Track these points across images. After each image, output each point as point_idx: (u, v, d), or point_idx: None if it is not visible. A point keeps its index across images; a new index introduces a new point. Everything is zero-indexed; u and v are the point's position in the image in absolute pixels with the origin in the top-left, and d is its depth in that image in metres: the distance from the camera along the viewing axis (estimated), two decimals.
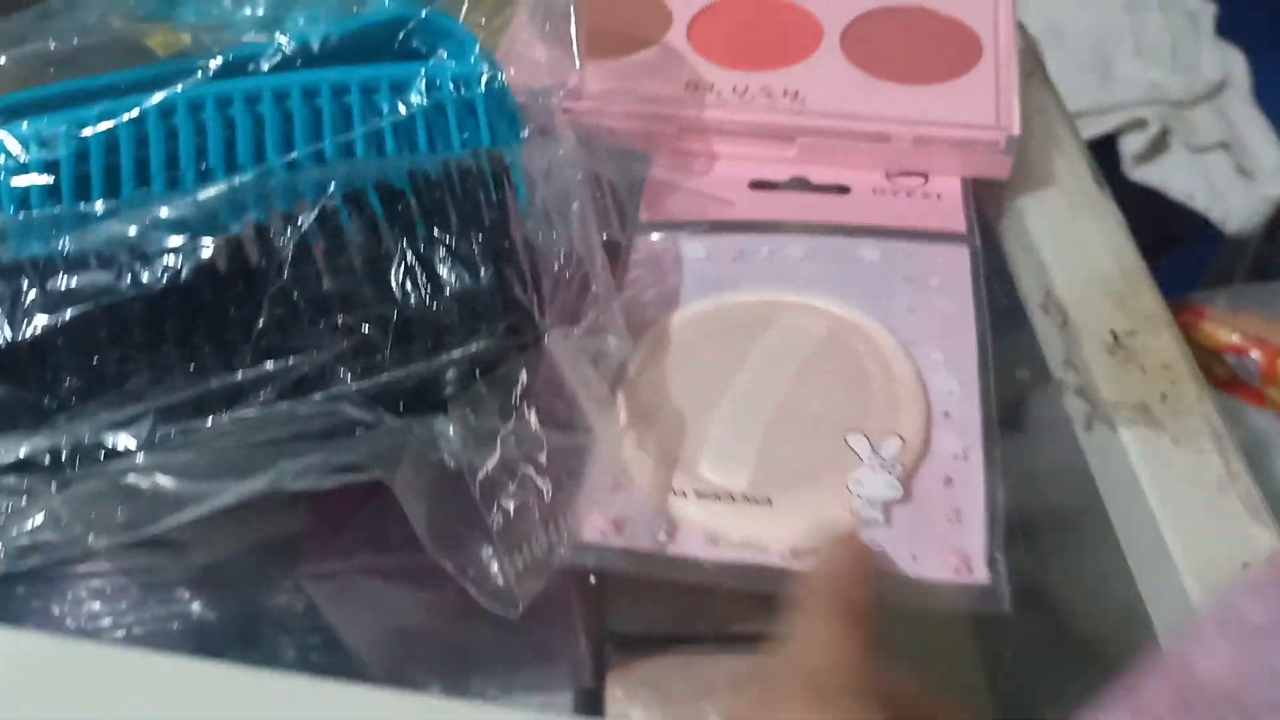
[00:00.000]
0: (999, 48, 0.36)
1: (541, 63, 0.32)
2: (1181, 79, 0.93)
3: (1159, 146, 0.92)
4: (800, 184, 0.33)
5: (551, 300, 0.27)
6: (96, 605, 0.33)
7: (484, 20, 0.34)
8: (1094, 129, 0.94)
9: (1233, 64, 0.97)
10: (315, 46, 0.32)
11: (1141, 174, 0.93)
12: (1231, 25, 1.02)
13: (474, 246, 0.25)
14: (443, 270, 0.24)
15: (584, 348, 0.27)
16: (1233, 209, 0.91)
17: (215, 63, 0.31)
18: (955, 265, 0.31)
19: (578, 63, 0.31)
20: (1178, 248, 1.01)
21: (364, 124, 0.31)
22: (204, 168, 0.31)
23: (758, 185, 0.34)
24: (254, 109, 0.32)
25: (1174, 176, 0.91)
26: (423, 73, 0.32)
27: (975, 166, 0.34)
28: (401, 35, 0.33)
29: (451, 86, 0.32)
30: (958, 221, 0.32)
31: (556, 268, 0.27)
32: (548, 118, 0.32)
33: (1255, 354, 0.90)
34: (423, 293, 0.24)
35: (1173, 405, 0.29)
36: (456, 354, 0.23)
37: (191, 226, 0.26)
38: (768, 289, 0.30)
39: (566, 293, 0.28)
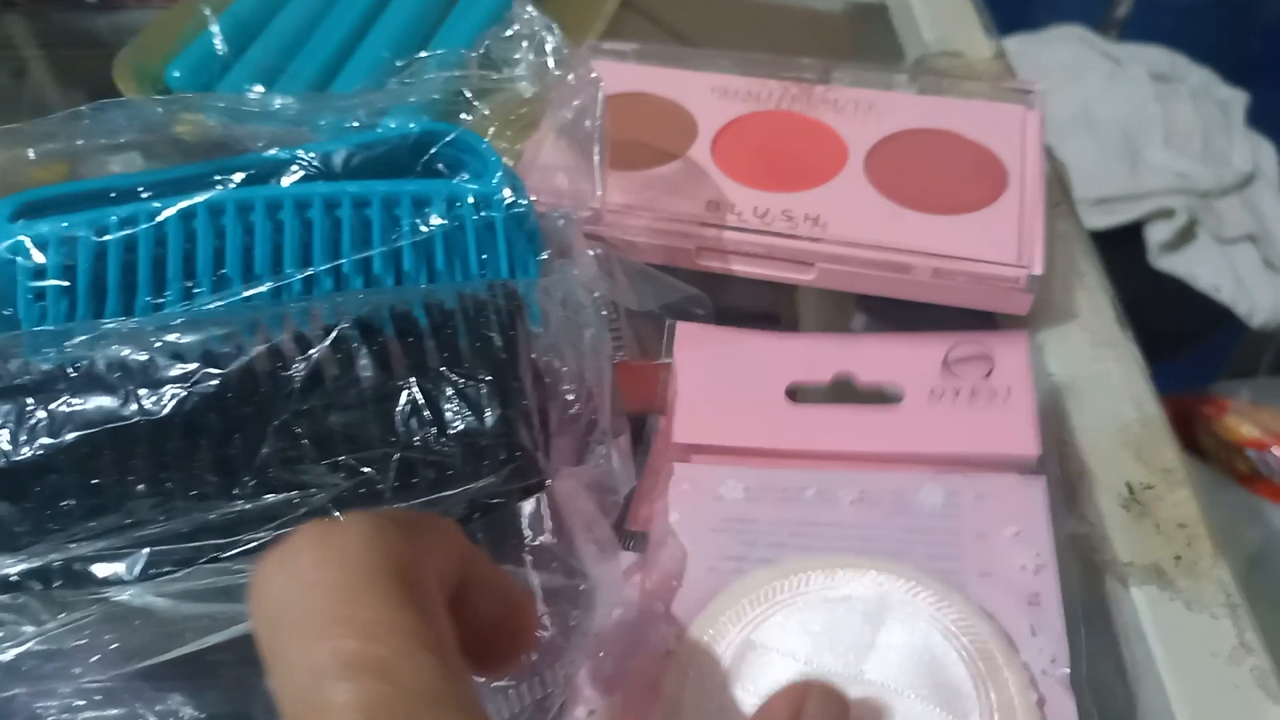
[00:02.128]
0: (1025, 179, 0.35)
1: (563, 185, 0.32)
2: (1211, 169, 0.93)
3: (1186, 236, 0.92)
4: (844, 386, 0.32)
5: (558, 434, 0.27)
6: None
7: (510, 142, 0.34)
8: (1121, 216, 0.93)
9: (1263, 155, 0.96)
10: (339, 162, 0.32)
11: (1167, 263, 0.93)
12: (1262, 113, 1.02)
13: (482, 387, 0.24)
14: (449, 409, 0.24)
15: (588, 485, 0.27)
16: (1259, 303, 0.90)
17: (238, 176, 0.31)
18: (1032, 508, 0.28)
19: (599, 188, 0.31)
20: (1201, 339, 1.00)
21: (384, 239, 0.31)
22: (221, 274, 0.31)
23: (798, 392, 0.32)
24: (274, 216, 0.32)
25: (1201, 267, 0.91)
26: (445, 191, 0.32)
27: (995, 302, 0.34)
28: (427, 153, 0.33)
29: (473, 206, 0.32)
30: (1029, 437, 0.29)
31: (564, 400, 0.27)
32: (567, 240, 0.32)
33: (1277, 450, 0.89)
34: (428, 432, 0.24)
35: (1187, 567, 0.28)
36: (456, 494, 0.23)
37: (200, 346, 0.26)
38: (821, 555, 0.27)
39: (574, 425, 0.27)
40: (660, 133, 0.39)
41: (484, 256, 0.31)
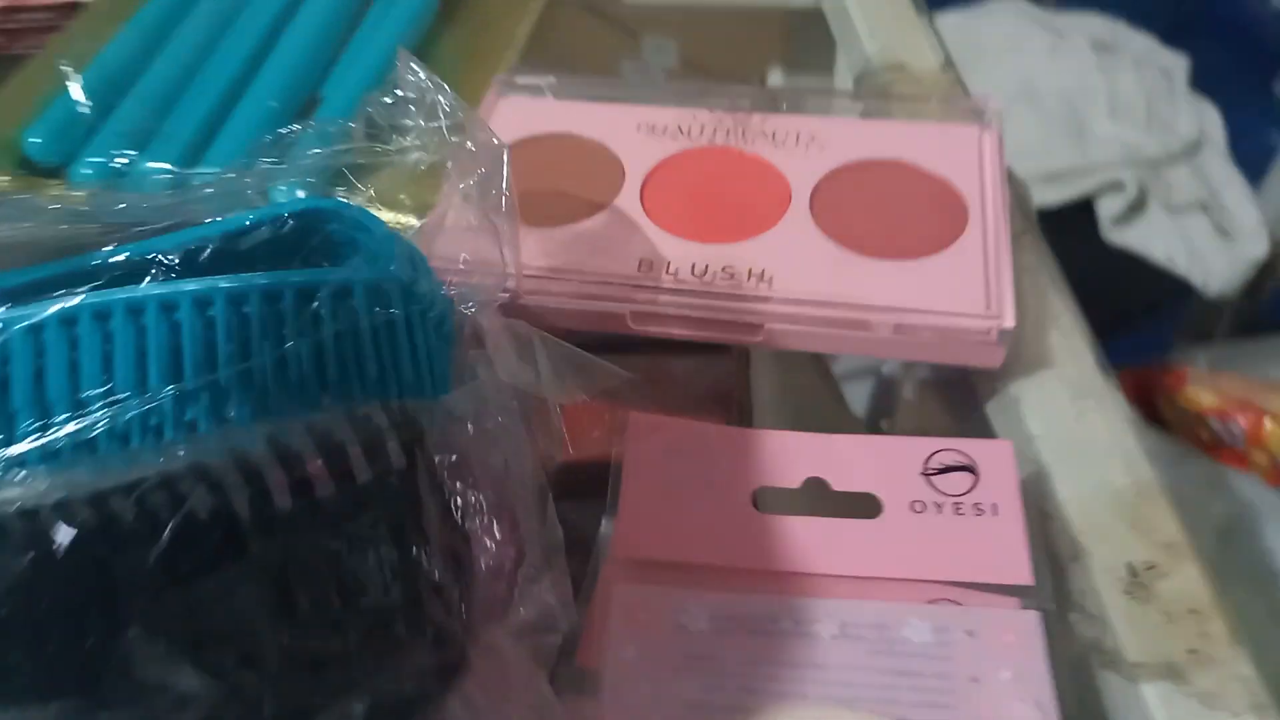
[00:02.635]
0: (987, 213, 0.32)
1: (472, 264, 0.28)
2: (1157, 138, 0.91)
3: (1137, 208, 0.90)
4: (817, 491, 0.28)
5: (480, 582, 0.23)
6: None
7: (406, 219, 0.30)
8: (1070, 191, 0.91)
9: (1208, 120, 0.94)
10: (209, 255, 0.28)
11: (1120, 237, 0.90)
12: (1202, 76, 1.00)
13: (377, 554, 0.20)
14: (339, 583, 0.20)
15: (519, 631, 0.23)
16: (1214, 272, 0.88)
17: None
18: (1028, 645, 0.24)
19: (512, 266, 0.27)
20: (1158, 310, 0.98)
21: (266, 343, 0.27)
22: (80, 396, 0.27)
23: (764, 496, 0.28)
24: (138, 321, 0.27)
25: (1154, 240, 0.89)
26: (335, 282, 0.28)
27: (963, 356, 0.30)
28: (313, 237, 0.29)
29: (369, 298, 0.27)
30: (1021, 564, 0.26)
31: (484, 538, 0.23)
32: (480, 328, 0.28)
33: (1239, 418, 0.88)
34: (315, 613, 0.20)
35: (1203, 660, 0.25)
36: (359, 705, 0.19)
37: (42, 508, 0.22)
38: (799, 706, 0.23)
39: (497, 566, 0.23)
40: (583, 180, 0.35)
41: (385, 359, 0.27)
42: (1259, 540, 0.82)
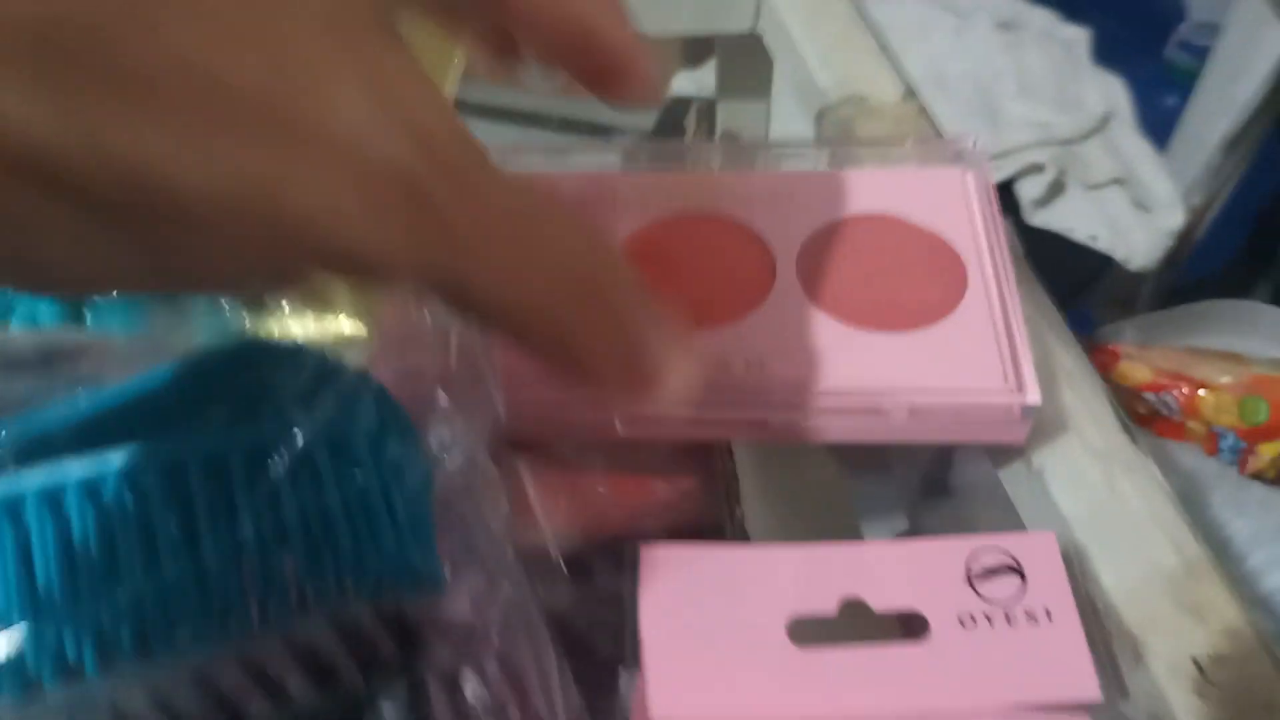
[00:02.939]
0: (986, 269, 0.30)
1: (446, 399, 0.25)
2: (1068, 116, 0.91)
3: (1056, 189, 0.89)
4: (856, 613, 0.25)
5: None
6: None
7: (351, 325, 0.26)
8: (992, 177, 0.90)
9: (1114, 93, 0.95)
10: (126, 417, 0.24)
11: (1042, 219, 0.90)
12: (1101, 47, 1.01)
13: None
14: None
15: None
16: (1136, 246, 0.88)
17: None
18: None
19: (499, 400, 0.24)
20: (1087, 289, 0.99)
21: (214, 523, 0.23)
22: None
23: (798, 625, 0.25)
24: (59, 513, 0.23)
25: (1075, 219, 0.89)
26: (292, 439, 0.24)
27: (983, 435, 0.28)
28: (251, 378, 0.24)
29: (333, 457, 0.23)
30: (1086, 677, 0.23)
31: None
32: (471, 481, 0.25)
33: (1173, 390, 0.89)
34: None
35: None
36: None
37: None
38: None
39: None
40: None
41: (360, 530, 0.23)
42: (1205, 511, 0.83)
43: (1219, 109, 0.91)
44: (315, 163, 0.14)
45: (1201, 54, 1.04)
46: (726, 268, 0.30)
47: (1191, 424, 0.89)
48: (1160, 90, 1.09)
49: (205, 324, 0.29)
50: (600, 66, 0.22)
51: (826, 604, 0.25)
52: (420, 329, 0.27)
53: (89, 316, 0.31)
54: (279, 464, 0.23)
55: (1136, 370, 0.91)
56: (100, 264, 0.14)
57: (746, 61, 0.45)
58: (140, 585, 0.22)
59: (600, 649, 0.36)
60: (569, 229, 0.17)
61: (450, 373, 0.25)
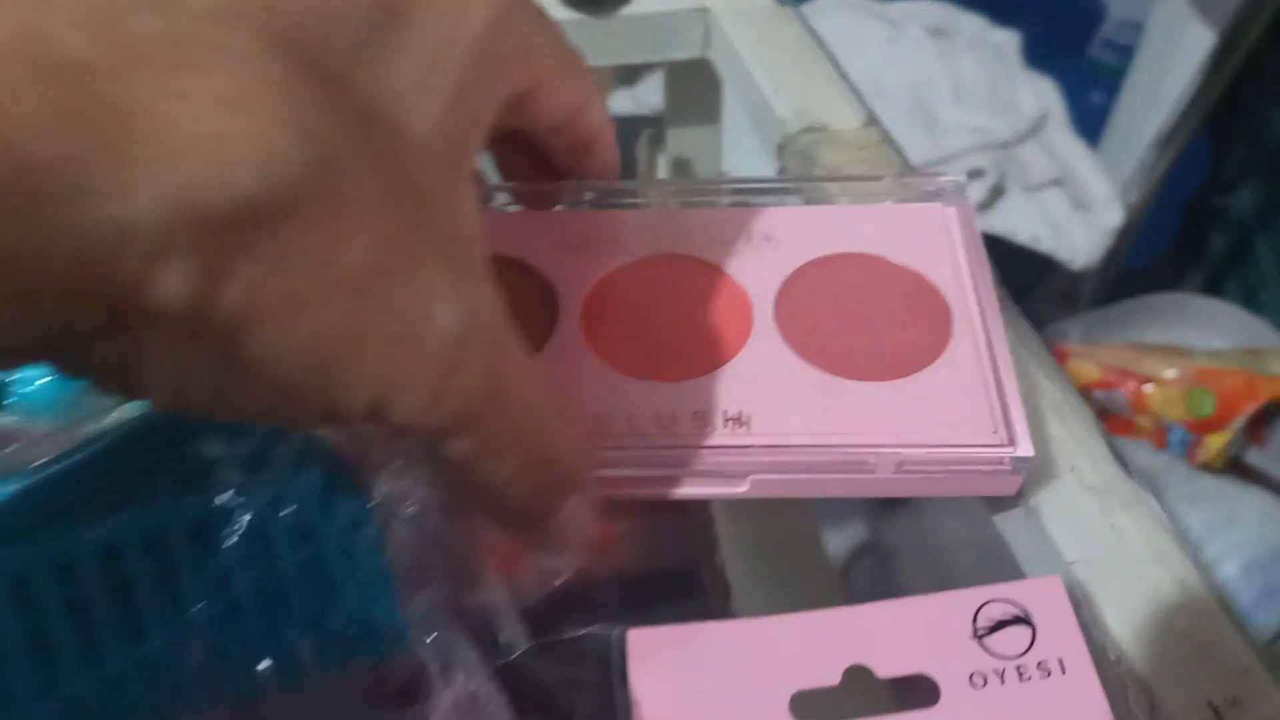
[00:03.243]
0: (970, 310, 0.29)
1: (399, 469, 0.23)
2: (1004, 119, 0.91)
3: (996, 193, 0.90)
4: (862, 682, 0.24)
5: None
6: None
7: None
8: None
9: (1047, 95, 0.96)
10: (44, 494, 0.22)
11: (985, 223, 0.91)
12: (1029, 48, 1.02)
13: None
14: None
15: None
16: (1078, 246, 0.89)
17: None
18: None
19: None
20: (1033, 290, 0.99)
21: (152, 589, 0.21)
22: None
23: (801, 699, 0.24)
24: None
25: (1016, 222, 0.89)
26: (243, 503, 0.22)
27: (973, 487, 0.27)
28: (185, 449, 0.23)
29: (292, 527, 0.22)
30: None
31: None
32: (423, 530, 0.23)
33: (1121, 387, 0.90)
34: None
35: None
36: None
37: None
38: None
39: None
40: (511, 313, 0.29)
41: (319, 592, 0.22)
42: (1160, 506, 0.84)
43: (1148, 107, 0.92)
44: (401, 357, 0.17)
45: (1125, 52, 1.06)
46: (701, 313, 0.29)
47: (1141, 419, 0.90)
48: (1087, 88, 1.10)
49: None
50: (591, 159, 0.27)
51: (830, 675, 0.24)
52: None
53: (13, 396, 0.29)
54: (227, 534, 0.21)
55: (1085, 369, 0.92)
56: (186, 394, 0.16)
57: (695, 88, 0.43)
58: (80, 683, 0.21)
59: (577, 712, 0.34)
60: (564, 444, 0.21)
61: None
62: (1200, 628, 0.25)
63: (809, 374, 0.28)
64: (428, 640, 0.23)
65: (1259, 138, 1.04)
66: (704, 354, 0.28)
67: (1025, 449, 0.26)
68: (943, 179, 0.31)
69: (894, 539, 0.88)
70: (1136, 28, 1.03)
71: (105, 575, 0.21)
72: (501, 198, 0.31)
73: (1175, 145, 0.91)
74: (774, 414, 0.27)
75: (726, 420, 0.27)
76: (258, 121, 0.14)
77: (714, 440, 0.26)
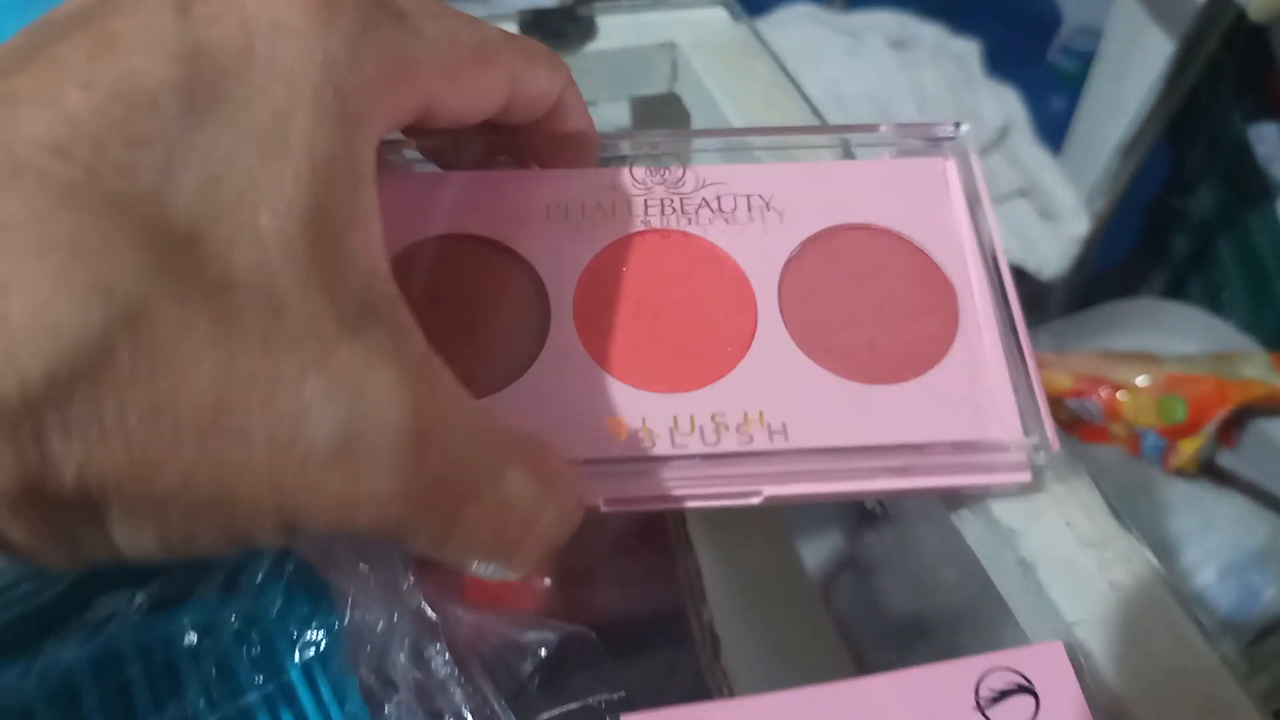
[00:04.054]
0: (978, 296, 0.28)
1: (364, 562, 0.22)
2: (969, 130, 0.91)
3: None
4: None
5: None
6: None
7: None
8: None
9: (1009, 104, 0.96)
10: None
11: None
12: (989, 55, 1.02)
13: None
14: None
15: None
16: (1046, 256, 0.89)
17: None
18: None
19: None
20: None
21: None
22: None
23: None
24: None
25: None
26: (194, 618, 0.21)
27: (994, 483, 0.27)
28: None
29: (241, 636, 0.21)
30: None
31: None
32: (392, 626, 0.22)
33: (1094, 395, 0.90)
34: None
35: None
36: None
37: None
38: None
39: None
40: (492, 314, 0.27)
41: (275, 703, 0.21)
42: (1134, 514, 0.84)
43: (1109, 113, 0.92)
44: (289, 478, 0.16)
45: (1084, 58, 1.07)
46: (704, 308, 0.27)
47: (1114, 426, 0.90)
48: (1047, 94, 1.11)
49: None
50: (570, 150, 0.28)
51: None
52: None
53: None
54: (190, 676, 0.20)
55: (1057, 378, 0.92)
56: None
57: (662, 121, 0.42)
58: None
59: None
60: (536, 494, 0.20)
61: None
62: (1204, 688, 0.25)
63: (821, 377, 0.27)
64: None
65: (1218, 139, 1.04)
66: (712, 357, 0.27)
67: (1048, 440, 0.26)
68: (940, 127, 0.30)
69: (873, 555, 0.87)
70: (1094, 34, 1.04)
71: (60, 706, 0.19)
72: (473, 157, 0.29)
73: (1138, 151, 0.92)
74: (787, 418, 0.26)
75: (737, 428, 0.26)
76: (36, 294, 0.13)
77: (731, 448, 0.25)
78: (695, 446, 0.25)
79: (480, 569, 0.20)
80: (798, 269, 0.28)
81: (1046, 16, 1.18)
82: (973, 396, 0.27)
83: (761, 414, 0.26)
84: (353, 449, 0.16)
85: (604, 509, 0.25)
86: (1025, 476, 0.27)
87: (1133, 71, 0.90)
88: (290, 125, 0.16)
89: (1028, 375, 0.27)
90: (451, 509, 0.18)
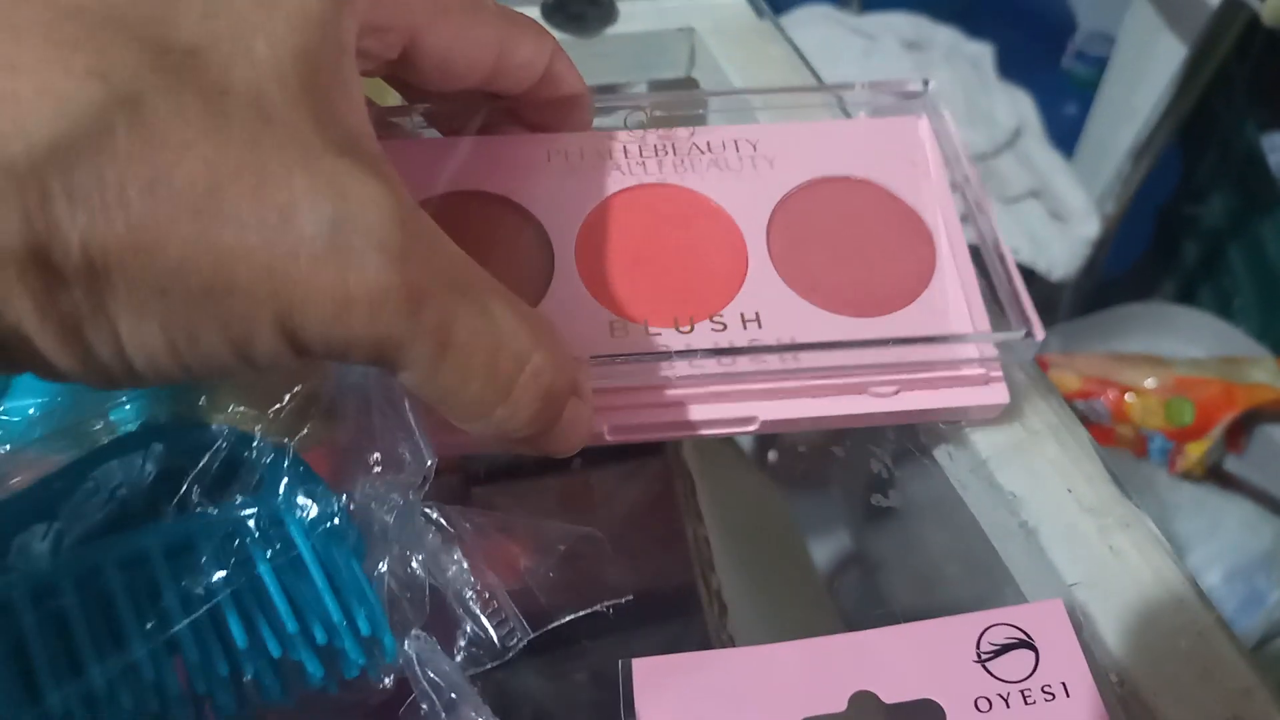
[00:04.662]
0: (953, 234, 0.30)
1: (378, 460, 0.23)
2: (982, 132, 0.92)
3: None
4: (868, 708, 0.24)
5: None
6: None
7: (283, 429, 0.24)
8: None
9: (1022, 106, 0.97)
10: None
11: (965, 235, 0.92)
12: (999, 59, 1.03)
13: None
14: None
15: None
16: (1055, 257, 0.90)
17: None
18: None
19: (428, 457, 0.23)
20: None
21: (143, 624, 0.21)
22: None
23: None
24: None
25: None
26: (218, 527, 0.22)
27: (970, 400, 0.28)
28: (181, 478, 0.23)
29: (261, 538, 0.22)
30: None
31: None
32: (408, 529, 0.23)
33: (1101, 397, 0.90)
34: None
35: None
36: None
37: None
38: None
39: None
40: (502, 262, 0.27)
41: (295, 601, 0.22)
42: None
43: (1122, 118, 0.93)
44: (280, 268, 0.17)
45: (1097, 63, 1.07)
46: (696, 252, 0.29)
47: (1121, 428, 0.91)
48: (1060, 99, 1.11)
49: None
50: (566, 115, 0.29)
51: (836, 701, 0.24)
52: (340, 394, 0.25)
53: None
54: (204, 548, 0.21)
55: (1065, 378, 0.92)
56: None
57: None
58: (60, 695, 0.20)
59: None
60: (530, 340, 0.20)
61: (376, 433, 0.24)
62: (1201, 649, 0.25)
63: (810, 312, 0.28)
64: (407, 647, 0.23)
65: (1229, 146, 1.05)
66: (708, 296, 0.28)
67: (1033, 327, 0.27)
68: (909, 83, 0.32)
69: (879, 550, 0.88)
70: (1108, 39, 1.05)
71: (84, 594, 0.21)
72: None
73: (1149, 155, 0.92)
74: (782, 336, 0.27)
75: (744, 320, 0.27)
76: (42, 75, 0.15)
77: (734, 369, 0.26)
78: (699, 365, 0.26)
79: (482, 423, 0.20)
80: (784, 216, 0.30)
81: (1061, 22, 1.18)
82: (952, 325, 0.28)
83: (758, 313, 0.27)
84: (340, 246, 0.17)
85: (609, 438, 0.26)
86: (1003, 395, 0.28)
87: (1145, 76, 0.91)
88: None
89: (1010, 281, 0.28)
90: (441, 323, 0.18)
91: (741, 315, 0.27)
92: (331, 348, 0.18)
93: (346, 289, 0.17)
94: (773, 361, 0.26)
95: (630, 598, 0.25)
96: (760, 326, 0.27)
